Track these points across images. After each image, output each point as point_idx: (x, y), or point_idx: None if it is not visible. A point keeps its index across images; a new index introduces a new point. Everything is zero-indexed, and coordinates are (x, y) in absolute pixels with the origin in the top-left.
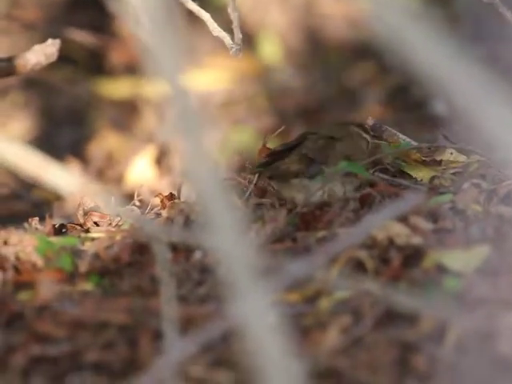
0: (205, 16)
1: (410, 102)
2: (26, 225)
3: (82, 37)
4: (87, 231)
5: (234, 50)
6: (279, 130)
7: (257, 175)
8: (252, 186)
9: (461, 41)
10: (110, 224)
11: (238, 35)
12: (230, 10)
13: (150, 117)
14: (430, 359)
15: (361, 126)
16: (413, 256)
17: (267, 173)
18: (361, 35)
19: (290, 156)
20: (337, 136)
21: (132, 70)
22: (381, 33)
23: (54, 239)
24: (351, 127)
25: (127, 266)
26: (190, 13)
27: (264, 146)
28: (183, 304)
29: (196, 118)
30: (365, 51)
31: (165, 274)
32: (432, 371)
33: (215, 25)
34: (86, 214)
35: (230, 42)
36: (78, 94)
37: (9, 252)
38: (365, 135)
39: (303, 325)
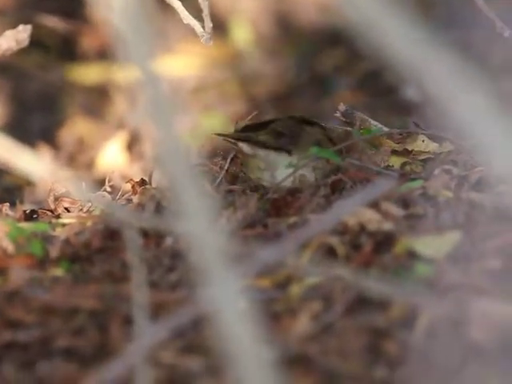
0: (176, 3)
1: (382, 87)
2: None
3: (53, 22)
4: (58, 217)
5: (204, 38)
6: (250, 116)
7: (228, 160)
8: (223, 172)
9: (433, 27)
10: (81, 210)
11: (209, 24)
12: None
13: (121, 103)
14: (401, 345)
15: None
16: (384, 242)
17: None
18: (332, 21)
19: (261, 130)
20: (305, 118)
21: (103, 55)
22: (352, 18)
23: (25, 225)
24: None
25: (98, 251)
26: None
27: (235, 131)
28: (154, 290)
29: (167, 103)
30: (336, 37)
31: (136, 259)
32: (403, 357)
33: (186, 12)
34: (56, 199)
35: (201, 29)
36: (49, 79)
37: None
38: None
39: (274, 311)
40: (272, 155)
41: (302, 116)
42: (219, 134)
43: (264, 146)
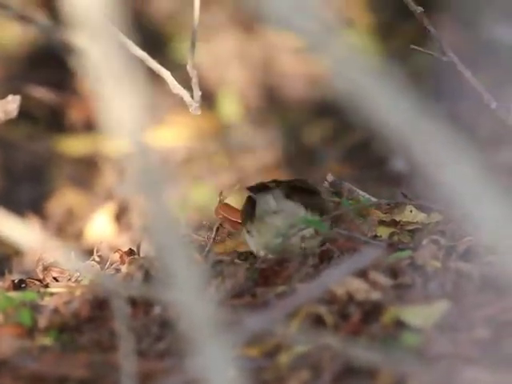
0: (165, 74)
1: (370, 159)
2: None
3: (42, 93)
4: (47, 286)
5: (193, 107)
6: (235, 188)
7: (215, 230)
8: (211, 241)
9: (421, 98)
10: (70, 279)
11: (197, 93)
12: (188, 68)
13: (109, 174)
14: None
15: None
16: (372, 311)
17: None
18: (320, 93)
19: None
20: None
21: (91, 127)
22: (341, 90)
23: (14, 294)
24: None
25: (87, 321)
26: (151, 70)
27: (220, 202)
28: (142, 359)
29: (156, 174)
30: (324, 109)
31: (124, 328)
32: None
33: (175, 82)
34: (45, 269)
35: (190, 99)
36: (37, 150)
37: None
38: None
39: (263, 379)
40: (293, 208)
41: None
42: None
43: (290, 198)
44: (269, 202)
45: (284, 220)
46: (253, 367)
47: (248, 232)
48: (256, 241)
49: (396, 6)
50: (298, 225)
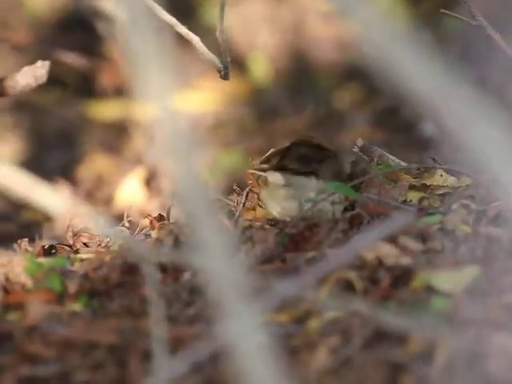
0: (194, 39)
1: (400, 123)
2: (15, 246)
3: (71, 59)
4: (76, 252)
5: (223, 72)
6: (268, 153)
7: (245, 195)
8: (241, 206)
9: (450, 63)
10: (100, 245)
11: (227, 58)
12: (217, 34)
13: (139, 139)
14: (420, 379)
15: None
16: (402, 276)
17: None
18: (350, 57)
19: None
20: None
21: (121, 92)
22: (370, 54)
23: (44, 260)
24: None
25: (116, 286)
26: (179, 34)
27: (252, 167)
28: (172, 324)
29: (186, 139)
30: (354, 73)
31: (154, 294)
32: None
33: (204, 48)
34: (75, 235)
35: (220, 65)
36: (67, 116)
37: None
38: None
39: (292, 345)
40: (304, 181)
41: (317, 142)
42: (254, 169)
43: (295, 172)
44: (276, 178)
45: (296, 191)
46: (282, 333)
47: (260, 206)
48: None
49: None
50: (327, 190)
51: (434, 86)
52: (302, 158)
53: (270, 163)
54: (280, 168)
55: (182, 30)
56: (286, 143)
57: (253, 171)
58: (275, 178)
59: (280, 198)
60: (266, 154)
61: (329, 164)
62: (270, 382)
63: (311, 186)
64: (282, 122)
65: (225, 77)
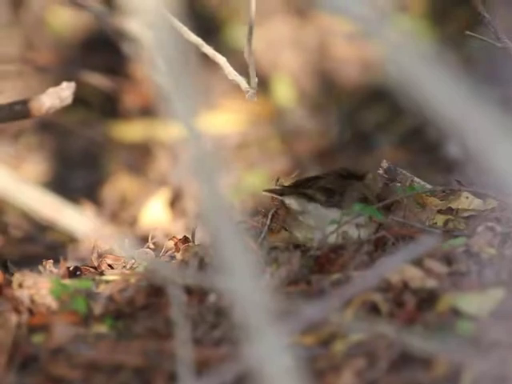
0: (220, 60)
1: (424, 144)
2: (40, 267)
3: (96, 79)
4: (101, 274)
5: (249, 93)
6: (294, 175)
7: (270, 216)
8: (266, 228)
9: (475, 84)
10: (125, 267)
11: (254, 79)
12: (245, 54)
13: (163, 159)
14: None
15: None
16: (427, 299)
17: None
18: (374, 78)
19: (309, 186)
20: (356, 173)
21: (146, 112)
22: (395, 75)
23: (69, 282)
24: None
25: (142, 308)
26: (204, 54)
27: (267, 189)
28: (198, 346)
29: (211, 160)
30: (378, 94)
31: (179, 316)
32: None
33: (231, 68)
34: (100, 256)
35: (246, 85)
36: (92, 136)
37: (23, 294)
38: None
39: (318, 368)
40: (323, 211)
41: (347, 169)
42: (267, 190)
43: (314, 201)
44: (291, 204)
45: (314, 220)
46: (308, 355)
47: (285, 229)
48: (294, 236)
49: None
50: (352, 213)
51: (459, 107)
52: (326, 191)
53: (290, 188)
54: (297, 193)
55: (209, 50)
56: (317, 172)
57: (268, 193)
58: (290, 202)
59: (301, 225)
60: (288, 181)
61: (355, 188)
62: None
63: (332, 216)
64: (306, 142)
65: (252, 97)
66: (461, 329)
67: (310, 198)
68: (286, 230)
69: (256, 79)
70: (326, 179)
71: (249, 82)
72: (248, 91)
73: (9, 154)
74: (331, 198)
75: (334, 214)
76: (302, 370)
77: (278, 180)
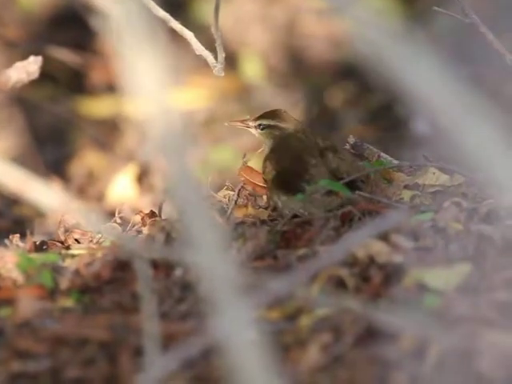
0: (188, 35)
1: (392, 121)
2: (6, 241)
3: (63, 55)
4: (68, 248)
5: (217, 68)
6: (259, 150)
7: (237, 192)
8: (233, 203)
9: (443, 61)
10: (91, 241)
11: (222, 54)
12: (213, 29)
13: (131, 135)
14: (411, 377)
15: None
16: (393, 274)
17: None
18: (343, 55)
19: None
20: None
21: (113, 88)
22: (364, 52)
23: (35, 256)
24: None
25: (108, 282)
26: (172, 30)
27: (244, 164)
28: (164, 321)
29: (179, 136)
30: (347, 71)
31: (146, 290)
32: None
33: (198, 44)
34: (66, 231)
35: (213, 60)
36: (59, 112)
37: None
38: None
39: (284, 342)
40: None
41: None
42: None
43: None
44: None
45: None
46: (274, 330)
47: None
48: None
49: None
50: (321, 186)
51: (428, 83)
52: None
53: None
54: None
55: (176, 25)
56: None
57: (235, 123)
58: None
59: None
60: (258, 153)
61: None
62: (262, 378)
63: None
64: None
65: (219, 72)
66: (427, 303)
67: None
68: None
69: (223, 54)
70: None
71: (216, 58)
72: (215, 66)
73: None
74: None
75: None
76: (268, 343)
77: (244, 156)
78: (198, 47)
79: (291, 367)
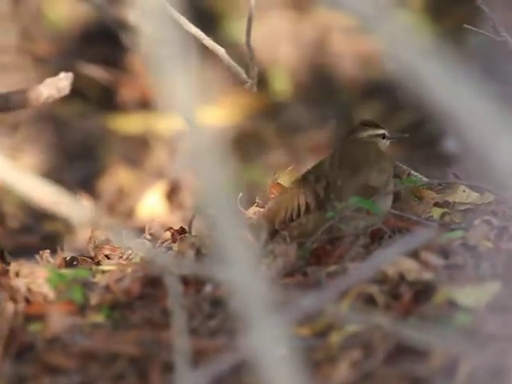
0: (219, 51)
1: (421, 139)
2: (37, 257)
3: (94, 71)
4: (98, 264)
5: (249, 84)
6: (289, 168)
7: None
8: (263, 220)
9: (474, 78)
10: (121, 257)
11: (254, 69)
12: (245, 45)
13: (160, 152)
14: None
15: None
16: (423, 291)
17: None
18: (371, 72)
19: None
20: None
21: (144, 105)
22: (393, 70)
23: (65, 272)
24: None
25: (138, 298)
26: (203, 48)
27: (274, 182)
28: (194, 337)
29: (209, 153)
30: (376, 88)
31: (176, 306)
32: None
33: (230, 60)
34: (97, 247)
35: (245, 76)
36: (89, 128)
37: (20, 284)
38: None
39: (314, 359)
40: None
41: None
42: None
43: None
44: None
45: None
46: (304, 346)
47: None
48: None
49: None
50: (351, 205)
51: (458, 101)
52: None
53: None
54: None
55: (208, 42)
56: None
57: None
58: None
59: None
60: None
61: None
62: None
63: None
64: (303, 136)
65: (251, 88)
66: (457, 321)
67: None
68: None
69: (256, 69)
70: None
71: (247, 74)
72: (247, 82)
73: (7, 144)
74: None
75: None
76: (298, 360)
77: (274, 173)
78: (230, 63)
79: (321, 383)
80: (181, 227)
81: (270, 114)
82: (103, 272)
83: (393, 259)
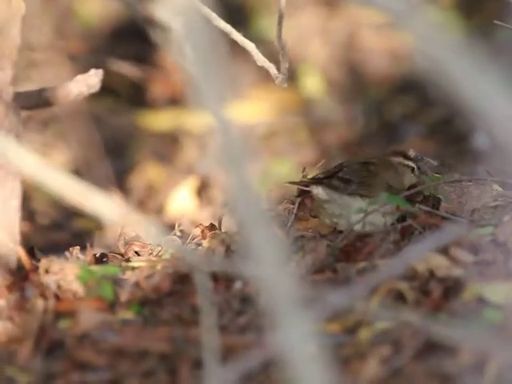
0: (250, 46)
1: (452, 135)
2: (67, 254)
3: (124, 68)
4: (128, 260)
5: (279, 79)
6: (320, 164)
7: (296, 205)
8: (292, 217)
9: (504, 74)
10: (151, 254)
11: (285, 64)
12: (276, 39)
13: (191, 148)
14: None
15: (403, 154)
16: (453, 288)
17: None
18: (402, 69)
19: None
20: (371, 161)
21: (174, 101)
22: (423, 66)
23: (95, 268)
24: (392, 158)
25: (168, 295)
26: (233, 44)
27: (304, 178)
28: (224, 333)
29: (238, 149)
30: (406, 84)
31: (205, 303)
32: None
33: (260, 55)
34: (126, 243)
35: (276, 71)
36: (119, 125)
37: (50, 280)
38: (407, 162)
39: (343, 355)
40: (347, 200)
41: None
42: (292, 183)
43: (338, 190)
44: (319, 193)
45: (340, 209)
46: (333, 343)
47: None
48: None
49: None
50: (379, 201)
51: (488, 97)
52: (345, 181)
53: (315, 178)
54: (322, 183)
55: (238, 37)
56: (340, 161)
57: (293, 184)
58: (320, 193)
59: (327, 213)
60: (312, 172)
61: (378, 179)
62: None
63: (355, 205)
64: (334, 133)
65: (282, 83)
66: (487, 317)
67: (335, 188)
68: (314, 217)
69: (287, 64)
70: (346, 170)
71: (278, 68)
72: (278, 77)
73: (37, 141)
74: (350, 187)
75: (357, 202)
76: (328, 357)
77: (304, 170)
78: (260, 58)
79: (351, 380)
80: (210, 224)
81: (300, 110)
82: (133, 269)
83: (423, 256)
